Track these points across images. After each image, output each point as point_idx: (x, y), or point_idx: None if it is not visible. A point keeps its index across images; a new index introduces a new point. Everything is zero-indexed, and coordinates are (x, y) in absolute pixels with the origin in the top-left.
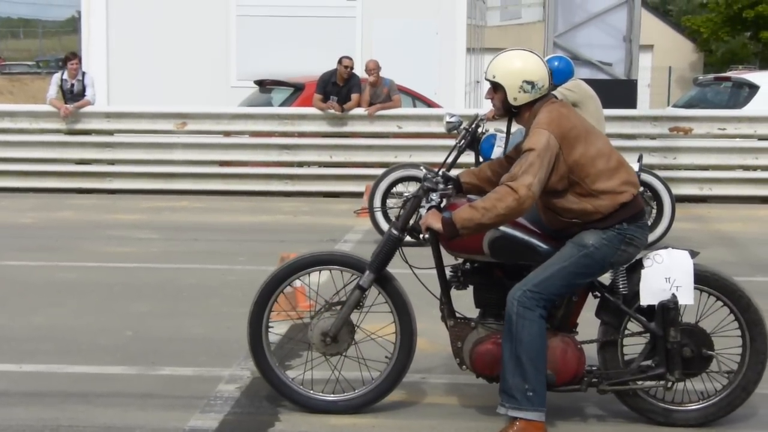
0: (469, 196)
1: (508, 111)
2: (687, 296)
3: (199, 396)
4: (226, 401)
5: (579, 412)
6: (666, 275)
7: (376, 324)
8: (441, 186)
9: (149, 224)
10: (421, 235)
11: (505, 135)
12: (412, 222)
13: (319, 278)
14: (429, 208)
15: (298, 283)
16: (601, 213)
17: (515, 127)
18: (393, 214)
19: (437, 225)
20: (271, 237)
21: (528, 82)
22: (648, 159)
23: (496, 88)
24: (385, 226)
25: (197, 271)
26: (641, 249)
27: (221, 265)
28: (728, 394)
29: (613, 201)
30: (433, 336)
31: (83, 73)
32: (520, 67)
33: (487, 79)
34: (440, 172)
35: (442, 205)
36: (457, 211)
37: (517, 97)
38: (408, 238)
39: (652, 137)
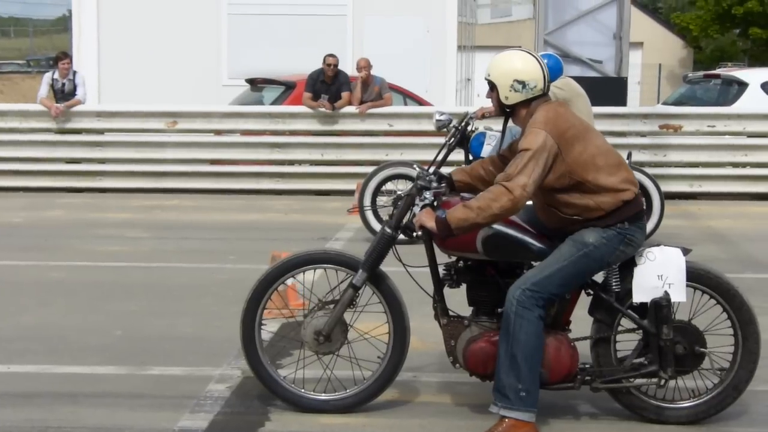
0: (462, 194)
1: (503, 110)
2: (679, 293)
3: (189, 396)
4: (216, 401)
5: (572, 410)
6: (658, 272)
7: (370, 324)
8: (434, 184)
9: (140, 223)
10: (414, 234)
11: (494, 133)
12: (405, 220)
13: (313, 276)
14: (423, 207)
15: (290, 281)
16: (603, 210)
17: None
18: (383, 212)
19: (431, 224)
20: (261, 235)
21: (519, 82)
22: (638, 156)
23: (492, 87)
24: (375, 224)
25: (188, 270)
26: (637, 249)
27: (212, 264)
28: (720, 392)
29: (615, 198)
30: (425, 335)
31: (74, 72)
32: (513, 67)
33: (485, 78)
34: (433, 171)
35: (435, 203)
36: (452, 210)
37: (508, 96)
38: (401, 237)
39: (642, 134)
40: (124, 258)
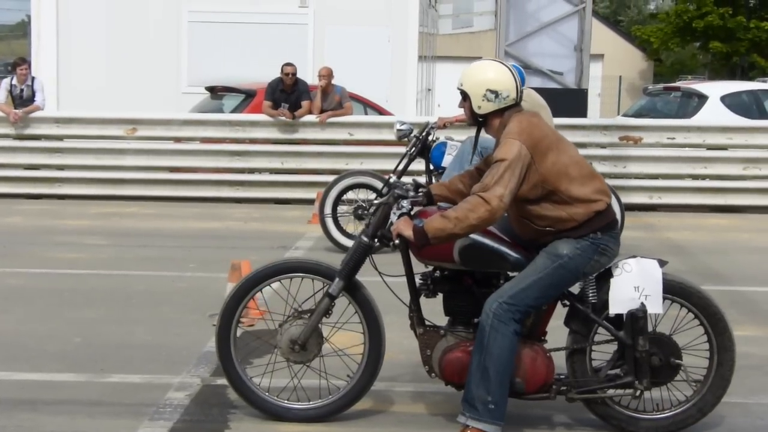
0: (439, 204)
1: (475, 120)
2: (656, 305)
3: (148, 404)
4: (175, 409)
5: (547, 420)
6: (635, 284)
7: (345, 340)
8: (411, 193)
9: (99, 230)
10: (391, 243)
11: (455, 143)
12: (382, 230)
13: (297, 285)
14: (400, 215)
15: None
16: (575, 221)
17: (464, 136)
18: (344, 221)
19: (408, 232)
20: (221, 243)
21: (492, 91)
22: (598, 168)
23: (465, 97)
24: (336, 233)
25: (147, 277)
26: (612, 259)
27: (171, 272)
28: (685, 410)
29: (587, 209)
30: (397, 345)
31: (33, 78)
32: (485, 77)
33: (457, 88)
34: (412, 180)
35: (412, 212)
36: (429, 219)
37: (480, 105)
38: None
39: (603, 146)
40: (83, 265)
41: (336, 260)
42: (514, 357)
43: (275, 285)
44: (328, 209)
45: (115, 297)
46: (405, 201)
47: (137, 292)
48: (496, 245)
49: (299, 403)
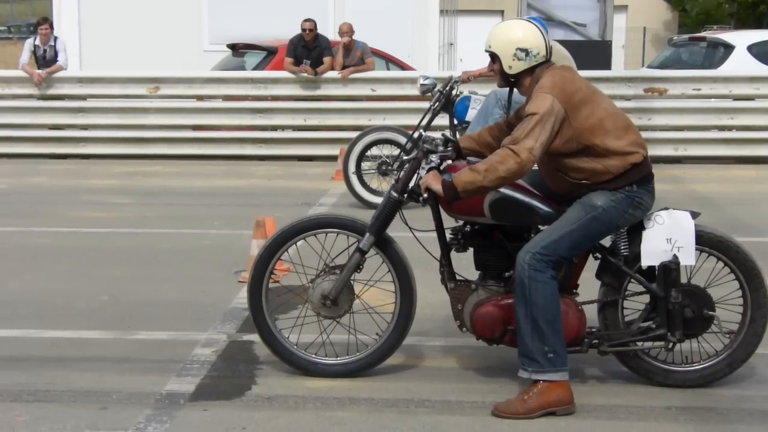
0: (468, 158)
1: (507, 81)
2: (689, 257)
3: (175, 360)
4: (202, 365)
5: (579, 373)
6: (667, 236)
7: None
8: (441, 148)
9: (123, 189)
10: (420, 197)
11: (479, 97)
12: (411, 184)
13: (326, 240)
14: (429, 170)
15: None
16: (611, 173)
17: (487, 90)
18: (367, 177)
19: (437, 186)
20: (245, 201)
21: (521, 50)
22: None
23: (494, 59)
24: (360, 189)
25: (172, 235)
26: (646, 213)
27: (196, 230)
28: (725, 357)
29: (623, 161)
30: (422, 299)
31: (55, 38)
32: (514, 36)
33: (485, 51)
34: (441, 134)
35: (441, 167)
36: (458, 173)
37: (511, 65)
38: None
39: (627, 98)
40: (108, 224)
41: (360, 216)
42: (558, 301)
43: (300, 242)
44: (352, 166)
45: (140, 255)
46: (434, 155)
47: (162, 250)
48: (526, 198)
49: (327, 359)
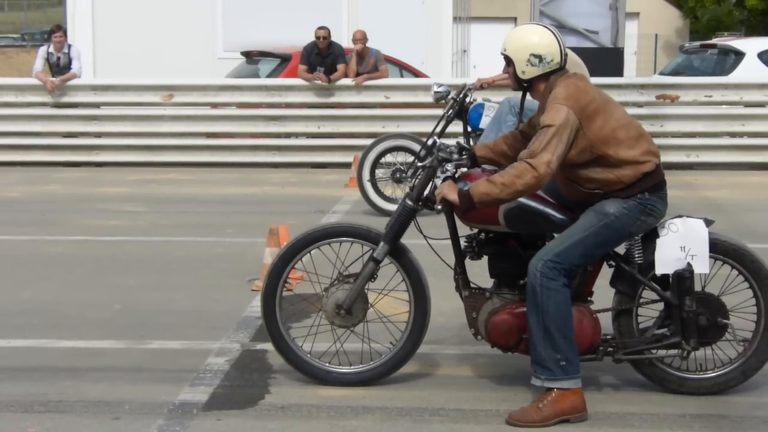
0: (483, 166)
1: (520, 85)
2: (702, 265)
3: (188, 369)
4: (215, 374)
5: (593, 381)
6: (681, 244)
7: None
8: (456, 156)
9: (137, 197)
10: (435, 206)
11: (493, 104)
12: (426, 192)
13: (340, 249)
14: (444, 179)
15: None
16: (623, 183)
17: (501, 97)
18: (381, 185)
19: (453, 196)
20: (259, 208)
21: (535, 56)
22: None
23: (509, 62)
24: (374, 197)
25: (185, 243)
26: (659, 220)
27: (209, 238)
28: (739, 365)
29: (635, 171)
30: (436, 307)
31: (69, 46)
32: (529, 41)
33: (501, 53)
34: (456, 142)
35: (456, 175)
36: (475, 184)
37: (525, 70)
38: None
39: (639, 105)
40: (121, 232)
41: (374, 223)
42: (570, 308)
43: (314, 252)
44: (366, 173)
45: (153, 263)
46: (449, 164)
47: (176, 258)
48: (541, 207)
49: (340, 367)
